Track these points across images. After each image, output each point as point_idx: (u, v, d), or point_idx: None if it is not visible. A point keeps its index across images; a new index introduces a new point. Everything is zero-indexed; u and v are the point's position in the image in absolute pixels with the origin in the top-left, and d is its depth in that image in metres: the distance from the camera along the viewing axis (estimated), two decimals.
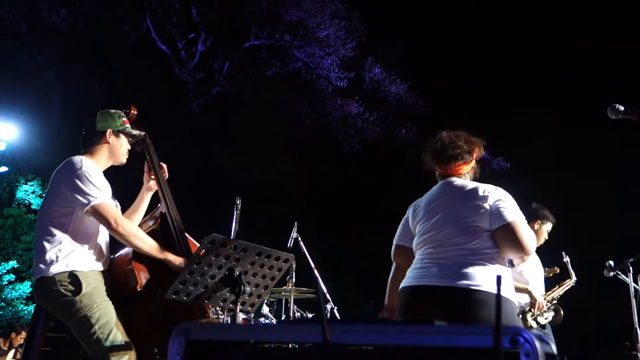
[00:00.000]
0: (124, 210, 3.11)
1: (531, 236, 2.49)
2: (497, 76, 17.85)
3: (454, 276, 2.41)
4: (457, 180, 2.68)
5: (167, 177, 3.15)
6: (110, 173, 3.02)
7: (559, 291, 4.71)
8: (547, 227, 4.39)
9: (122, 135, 2.97)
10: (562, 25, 18.06)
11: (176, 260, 2.74)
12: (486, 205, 2.50)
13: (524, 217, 2.52)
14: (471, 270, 2.40)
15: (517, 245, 2.43)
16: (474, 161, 2.74)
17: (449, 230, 2.53)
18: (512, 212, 2.48)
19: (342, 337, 0.92)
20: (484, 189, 2.56)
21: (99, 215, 2.68)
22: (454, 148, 2.67)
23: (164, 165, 3.16)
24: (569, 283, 4.76)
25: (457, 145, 2.67)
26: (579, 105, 15.45)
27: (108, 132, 2.93)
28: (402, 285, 2.61)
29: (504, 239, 2.45)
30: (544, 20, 18.66)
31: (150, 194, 3.19)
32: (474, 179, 2.77)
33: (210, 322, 2.86)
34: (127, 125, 3.00)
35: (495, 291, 2.28)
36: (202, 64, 17.08)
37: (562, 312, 4.49)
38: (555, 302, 4.63)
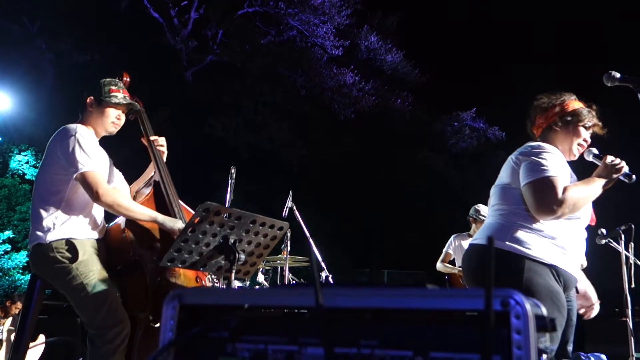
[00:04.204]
0: (128, 178, 3.09)
1: (545, 195, 2.27)
2: (493, 46, 17.71)
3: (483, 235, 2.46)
4: None
5: (165, 150, 3.12)
6: (112, 140, 3.00)
7: None
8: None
9: (105, 104, 2.90)
10: None
11: (167, 220, 2.72)
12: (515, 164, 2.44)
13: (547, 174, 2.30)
14: (494, 229, 2.41)
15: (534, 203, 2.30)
16: (543, 122, 2.66)
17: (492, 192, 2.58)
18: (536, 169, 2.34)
19: (335, 301, 0.92)
20: (520, 150, 2.50)
21: (85, 183, 2.65)
22: None
23: (159, 139, 3.13)
24: None
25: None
26: (576, 75, 15.39)
27: (89, 100, 2.90)
28: None
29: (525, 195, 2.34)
30: None
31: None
32: (557, 138, 2.58)
33: (204, 287, 2.88)
34: (115, 93, 2.91)
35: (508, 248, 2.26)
36: (195, 32, 16.85)
37: None
38: None
